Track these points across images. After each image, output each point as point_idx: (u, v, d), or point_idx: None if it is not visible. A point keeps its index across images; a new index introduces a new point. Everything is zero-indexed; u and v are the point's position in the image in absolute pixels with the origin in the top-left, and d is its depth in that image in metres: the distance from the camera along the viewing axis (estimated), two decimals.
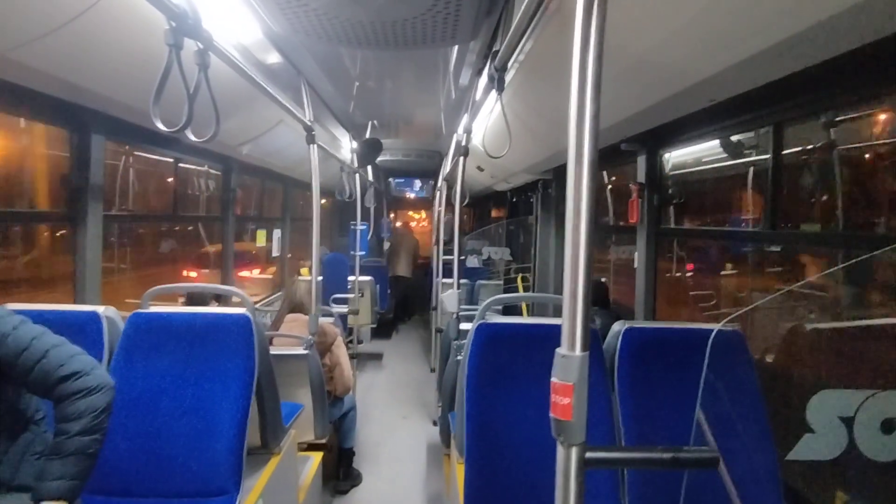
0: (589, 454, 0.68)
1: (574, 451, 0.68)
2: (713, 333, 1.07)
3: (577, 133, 0.69)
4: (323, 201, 7.02)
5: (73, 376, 1.15)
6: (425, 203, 9.12)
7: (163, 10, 1.15)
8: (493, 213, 8.86)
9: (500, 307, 2.86)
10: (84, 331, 1.70)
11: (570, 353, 0.68)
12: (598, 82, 0.68)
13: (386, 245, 7.94)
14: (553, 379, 0.69)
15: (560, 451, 0.69)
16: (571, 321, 0.68)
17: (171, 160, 3.19)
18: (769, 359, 2.08)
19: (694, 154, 2.69)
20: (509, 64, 1.80)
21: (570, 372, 0.67)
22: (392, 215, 9.15)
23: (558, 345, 0.69)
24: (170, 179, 3.26)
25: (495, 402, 1.69)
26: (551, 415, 0.68)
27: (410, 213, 9.72)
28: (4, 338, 1.14)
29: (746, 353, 1.63)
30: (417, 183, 9.00)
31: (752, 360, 1.63)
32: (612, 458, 0.73)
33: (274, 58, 2.42)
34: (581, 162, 0.69)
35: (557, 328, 0.70)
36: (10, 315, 1.20)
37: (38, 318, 1.25)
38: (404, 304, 7.72)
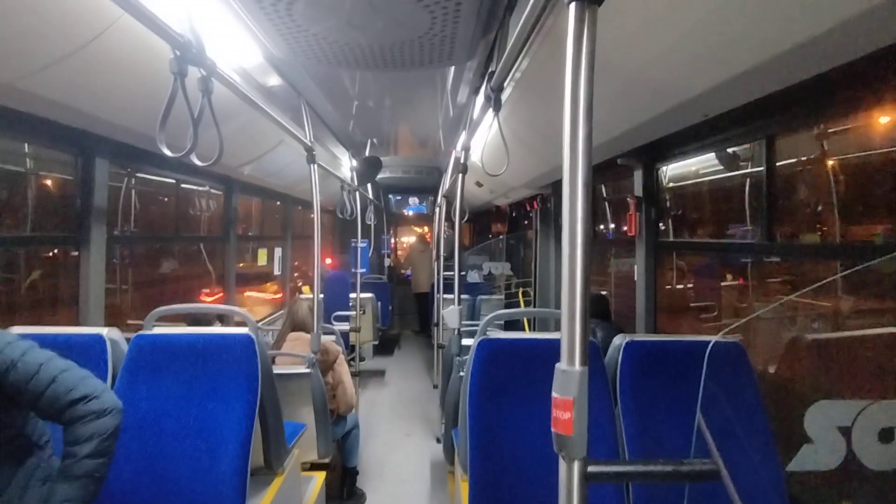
0: (591, 468, 0.69)
1: (576, 466, 0.68)
2: (710, 345, 1.08)
3: (570, 150, 0.70)
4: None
5: (82, 399, 1.16)
6: (425, 219, 9.16)
7: (168, 41, 1.19)
8: (493, 228, 8.88)
9: (501, 322, 2.85)
10: (88, 353, 1.71)
11: (570, 368, 0.69)
12: (590, 100, 0.70)
13: (387, 261, 7.94)
14: (553, 394, 0.69)
15: (562, 465, 0.69)
16: (570, 336, 0.69)
17: (173, 181, 3.23)
18: (771, 369, 2.08)
19: (690, 167, 2.72)
20: (505, 83, 1.83)
21: (570, 386, 0.68)
22: (392, 232, 9.18)
23: (559, 359, 0.70)
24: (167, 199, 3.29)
25: (498, 417, 1.68)
26: (553, 430, 0.69)
27: (414, 227, 9.75)
28: (13, 365, 1.15)
29: (747, 364, 1.63)
30: (417, 200, 9.06)
31: (752, 371, 1.63)
32: (614, 472, 0.74)
33: (274, 80, 2.47)
34: (576, 178, 0.70)
35: (559, 343, 0.70)
36: (17, 341, 1.21)
37: (42, 341, 1.26)
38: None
